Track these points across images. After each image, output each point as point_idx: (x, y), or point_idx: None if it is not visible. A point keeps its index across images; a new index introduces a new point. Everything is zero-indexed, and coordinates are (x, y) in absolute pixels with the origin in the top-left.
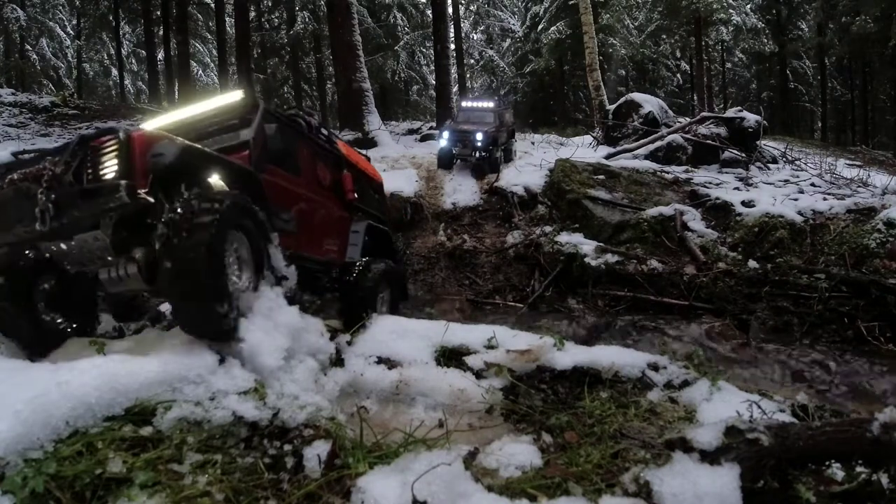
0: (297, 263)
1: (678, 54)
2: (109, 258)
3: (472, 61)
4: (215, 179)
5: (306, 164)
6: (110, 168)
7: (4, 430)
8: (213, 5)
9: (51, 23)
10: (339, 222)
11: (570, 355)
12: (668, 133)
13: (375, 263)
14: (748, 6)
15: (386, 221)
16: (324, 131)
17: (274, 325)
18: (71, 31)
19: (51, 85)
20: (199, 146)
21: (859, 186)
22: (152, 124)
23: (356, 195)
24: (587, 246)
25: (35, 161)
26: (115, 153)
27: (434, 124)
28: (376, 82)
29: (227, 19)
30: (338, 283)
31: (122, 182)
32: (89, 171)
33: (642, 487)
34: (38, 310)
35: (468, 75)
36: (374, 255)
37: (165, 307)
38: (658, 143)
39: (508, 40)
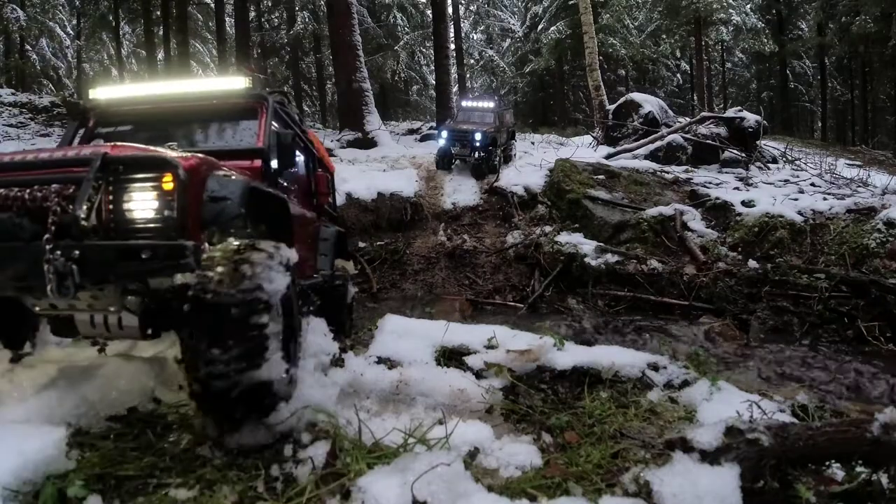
0: None
1: (678, 54)
2: (111, 307)
3: (472, 61)
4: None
5: (296, 167)
6: (153, 214)
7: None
8: (213, 5)
9: (51, 23)
10: (313, 231)
11: (570, 355)
12: (668, 133)
13: (345, 280)
14: (748, 6)
15: (336, 218)
16: (296, 116)
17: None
18: (71, 31)
19: (51, 85)
20: (259, 184)
21: (859, 186)
22: (105, 93)
23: (329, 196)
24: (587, 246)
25: (10, 170)
26: (162, 193)
27: (434, 124)
28: (376, 82)
29: (227, 19)
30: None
31: (188, 244)
32: (116, 213)
33: (642, 487)
34: None
35: (468, 75)
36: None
37: None
38: (658, 143)
39: (508, 40)
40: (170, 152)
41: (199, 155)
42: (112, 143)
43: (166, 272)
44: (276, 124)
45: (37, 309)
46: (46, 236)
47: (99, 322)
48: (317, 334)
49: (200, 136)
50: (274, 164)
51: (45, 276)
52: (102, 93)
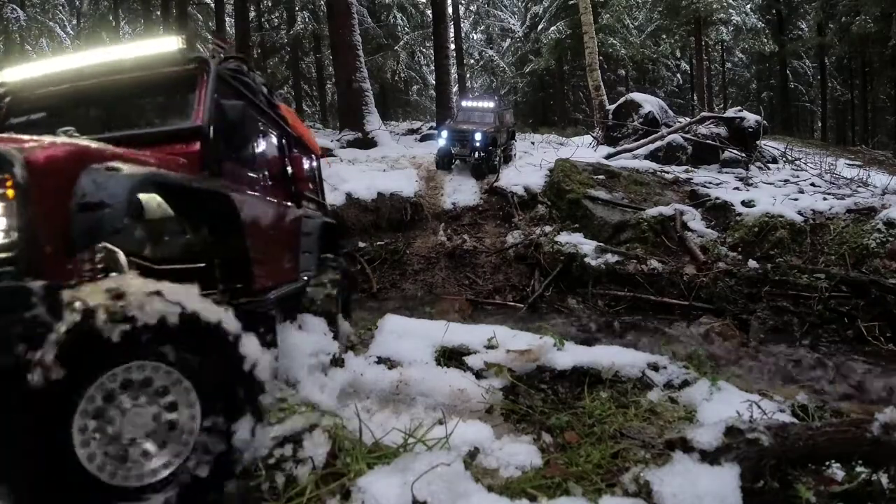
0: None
1: (678, 54)
2: None
3: (472, 61)
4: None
5: (256, 147)
6: None
7: None
8: (213, 5)
9: (51, 23)
10: (291, 224)
11: (570, 355)
12: (668, 133)
13: (332, 278)
14: (748, 6)
15: (325, 205)
16: (265, 88)
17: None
18: (71, 31)
19: None
20: (154, 170)
21: (859, 186)
22: (14, 74)
23: (310, 182)
24: (587, 246)
25: None
26: (2, 203)
27: (434, 124)
28: (376, 82)
29: (227, 19)
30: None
31: (36, 286)
32: None
33: (642, 487)
34: None
35: (468, 75)
36: (326, 253)
37: None
38: (658, 143)
39: (508, 40)
40: (18, 143)
41: (70, 141)
42: None
43: (12, 327)
44: (229, 102)
45: None
46: None
47: None
48: (317, 334)
49: (127, 117)
50: (218, 146)
51: None
52: (12, 74)
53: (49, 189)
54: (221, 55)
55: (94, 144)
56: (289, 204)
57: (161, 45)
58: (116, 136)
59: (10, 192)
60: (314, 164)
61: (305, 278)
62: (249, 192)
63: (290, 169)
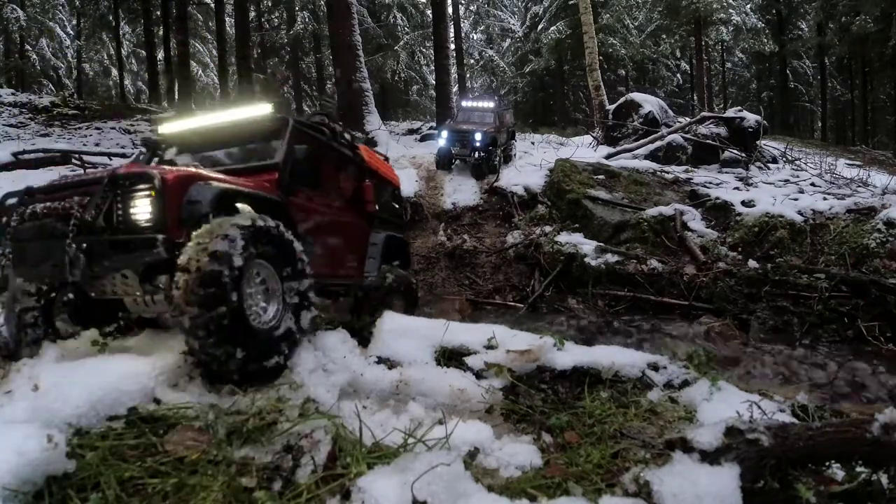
0: (316, 287)
1: (678, 54)
2: (137, 291)
3: (472, 61)
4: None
5: (329, 176)
6: (143, 215)
7: None
8: (213, 5)
9: (51, 23)
10: (359, 236)
11: (570, 355)
12: (668, 133)
13: (390, 274)
14: (748, 6)
15: (401, 225)
16: (346, 136)
17: None
18: (71, 31)
19: (51, 85)
20: (234, 185)
21: (859, 186)
22: (169, 128)
23: (376, 204)
24: (587, 246)
25: (55, 191)
26: (148, 199)
27: (434, 124)
28: (376, 82)
29: (227, 19)
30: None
31: (159, 237)
32: (120, 216)
33: (642, 487)
34: (55, 319)
35: (468, 75)
36: (389, 262)
37: None
38: (658, 143)
39: (508, 40)
40: (162, 169)
41: (185, 170)
42: (128, 164)
43: (146, 258)
44: (299, 146)
45: (92, 294)
46: (68, 234)
47: (139, 302)
48: (327, 338)
49: (238, 156)
50: (288, 174)
51: (66, 265)
52: (168, 127)
53: (172, 193)
54: (316, 111)
55: (198, 170)
56: (354, 219)
57: (259, 110)
58: (233, 168)
59: (154, 193)
60: (389, 189)
61: (367, 277)
62: (313, 204)
63: (361, 193)
